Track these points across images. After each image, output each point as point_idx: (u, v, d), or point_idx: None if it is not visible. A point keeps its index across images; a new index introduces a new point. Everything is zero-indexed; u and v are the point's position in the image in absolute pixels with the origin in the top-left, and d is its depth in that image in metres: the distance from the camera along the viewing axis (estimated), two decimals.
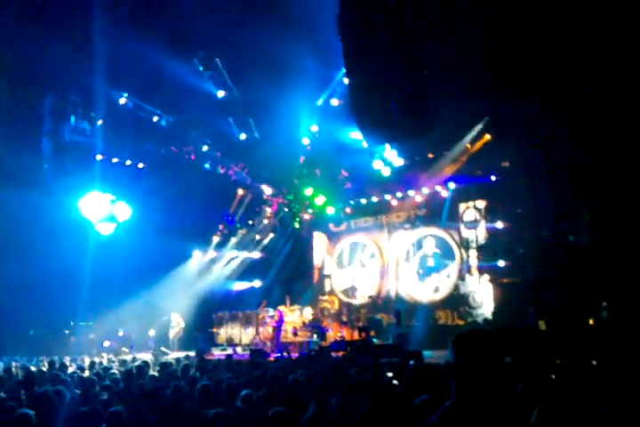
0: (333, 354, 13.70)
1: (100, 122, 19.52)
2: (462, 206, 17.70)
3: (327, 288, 21.02)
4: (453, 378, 2.01)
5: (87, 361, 12.53)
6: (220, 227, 22.44)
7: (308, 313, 18.88)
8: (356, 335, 16.28)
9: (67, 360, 12.96)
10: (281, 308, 18.38)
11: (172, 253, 19.86)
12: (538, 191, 15.23)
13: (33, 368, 10.76)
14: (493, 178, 16.42)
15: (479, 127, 16.32)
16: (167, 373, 8.20)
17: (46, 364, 12.51)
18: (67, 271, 17.89)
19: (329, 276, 21.15)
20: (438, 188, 17.73)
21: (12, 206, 17.93)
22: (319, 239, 21.67)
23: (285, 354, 13.87)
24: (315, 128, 18.02)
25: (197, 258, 22.09)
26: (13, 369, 10.22)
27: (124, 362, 12.09)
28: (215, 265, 22.30)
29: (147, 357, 15.47)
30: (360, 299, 19.84)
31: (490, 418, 1.92)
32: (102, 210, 20.06)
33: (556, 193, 14.62)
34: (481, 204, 17.32)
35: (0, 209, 19.14)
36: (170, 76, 16.91)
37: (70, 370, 10.06)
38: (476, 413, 1.93)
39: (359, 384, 5.64)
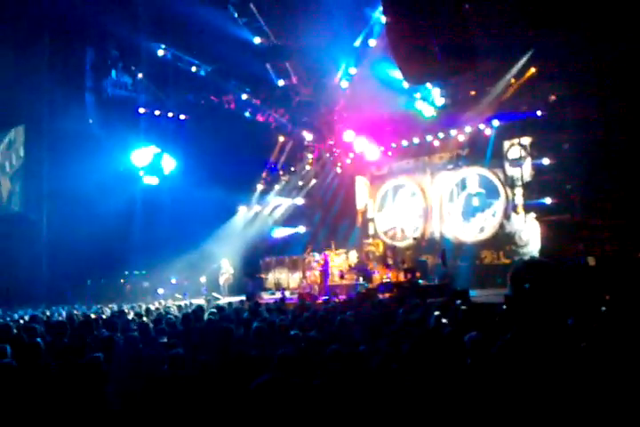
0: (380, 296, 13.92)
1: (140, 75, 19.63)
2: (507, 144, 17.30)
3: (371, 232, 21.18)
4: (512, 310, 2.07)
5: (144, 307, 13.09)
6: (264, 175, 22.63)
7: (353, 257, 19.10)
8: (401, 277, 16.40)
9: (125, 308, 13.59)
10: (326, 252, 18.64)
11: (217, 204, 20.18)
12: (586, 125, 14.69)
13: (93, 316, 11.33)
14: (539, 113, 15.89)
15: (524, 60, 15.69)
16: (222, 316, 8.53)
17: (106, 311, 13.16)
18: (119, 223, 18.51)
19: (372, 219, 21.27)
20: (481, 126, 17.34)
21: (63, 161, 18.43)
22: (361, 183, 21.68)
23: (333, 296, 14.17)
24: (353, 70, 17.65)
25: (243, 212, 22.51)
26: (75, 317, 10.74)
27: (180, 307, 12.61)
28: (260, 214, 22.69)
29: (200, 302, 16.06)
30: (403, 240, 19.97)
31: (547, 348, 1.98)
32: (148, 162, 20.50)
33: (607, 125, 14.08)
34: (526, 140, 16.87)
35: (52, 163, 19.78)
36: (205, 24, 16.71)
37: (129, 316, 10.57)
38: (534, 342, 1.99)
39: (408, 323, 5.77)
